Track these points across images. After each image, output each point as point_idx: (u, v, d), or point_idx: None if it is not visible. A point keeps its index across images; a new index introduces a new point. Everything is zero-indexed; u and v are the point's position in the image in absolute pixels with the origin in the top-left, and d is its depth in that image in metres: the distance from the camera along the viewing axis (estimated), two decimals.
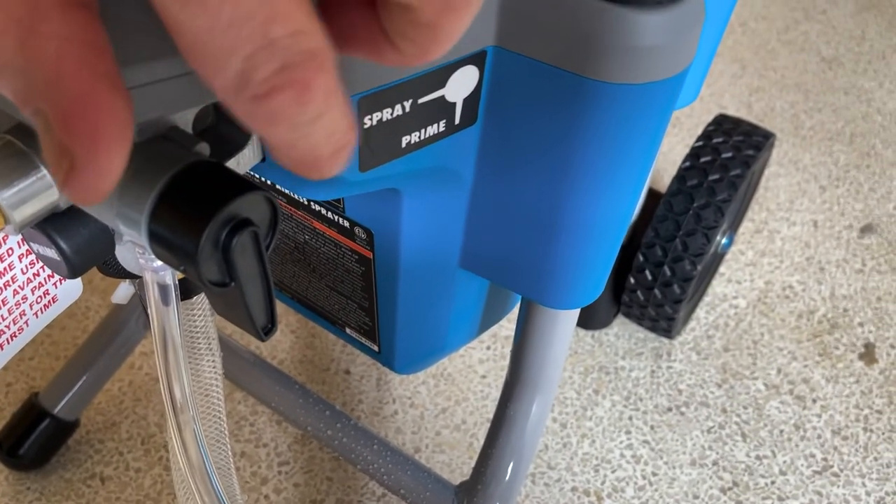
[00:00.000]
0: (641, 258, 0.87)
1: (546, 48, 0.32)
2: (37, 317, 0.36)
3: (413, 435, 0.88)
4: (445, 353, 0.58)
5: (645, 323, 0.95)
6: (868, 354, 0.98)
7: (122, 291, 0.53)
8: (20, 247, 0.33)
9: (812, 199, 1.17)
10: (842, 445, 0.89)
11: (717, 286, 1.04)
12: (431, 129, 0.34)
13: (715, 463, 0.87)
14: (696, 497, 0.84)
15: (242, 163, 0.32)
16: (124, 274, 0.35)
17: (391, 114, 0.31)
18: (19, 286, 0.34)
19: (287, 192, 0.47)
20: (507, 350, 0.95)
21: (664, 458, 0.87)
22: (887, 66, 1.42)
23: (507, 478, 0.60)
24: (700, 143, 0.88)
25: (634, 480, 0.85)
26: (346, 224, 0.46)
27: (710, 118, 1.11)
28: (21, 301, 0.34)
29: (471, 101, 0.34)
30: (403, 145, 0.33)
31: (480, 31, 0.32)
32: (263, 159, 0.34)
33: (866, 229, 1.13)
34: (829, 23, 1.51)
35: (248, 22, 0.15)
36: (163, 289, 0.31)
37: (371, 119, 0.31)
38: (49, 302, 0.36)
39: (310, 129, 0.17)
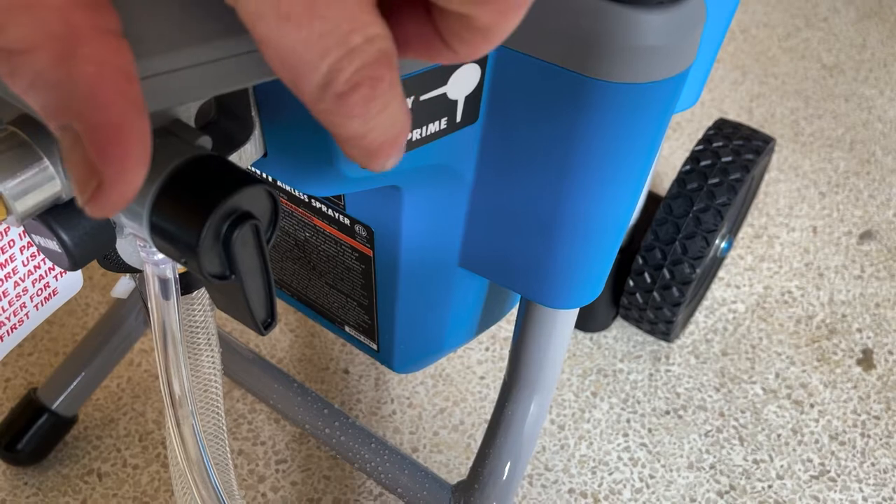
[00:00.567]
0: (641, 261, 0.87)
1: (548, 47, 0.32)
2: (37, 309, 0.36)
3: (411, 435, 0.88)
4: (444, 353, 0.58)
5: (643, 326, 0.95)
6: (866, 360, 0.98)
7: (122, 286, 0.53)
8: (21, 239, 0.33)
9: (812, 205, 1.17)
10: (839, 450, 0.89)
11: (717, 290, 1.04)
12: (433, 127, 0.34)
13: (712, 466, 0.87)
14: (692, 500, 0.84)
15: (244, 157, 0.32)
16: (125, 268, 0.35)
17: None
18: (20, 278, 0.34)
19: (288, 188, 0.47)
20: (506, 352, 0.95)
21: (661, 461, 0.87)
22: (888, 73, 1.42)
23: (504, 477, 0.60)
24: (700, 147, 0.88)
25: (632, 483, 0.85)
26: (347, 221, 0.46)
27: (710, 123, 1.12)
28: (21, 293, 0.34)
29: (472, 99, 0.34)
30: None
31: None
32: (265, 154, 0.34)
33: (865, 236, 1.13)
34: (831, 30, 1.51)
35: (334, 33, 0.17)
36: (163, 283, 0.31)
37: None
38: (49, 294, 0.36)
39: (378, 120, 0.19)
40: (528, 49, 0.32)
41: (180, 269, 0.31)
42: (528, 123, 0.35)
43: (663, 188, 1.09)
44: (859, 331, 1.01)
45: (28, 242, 0.34)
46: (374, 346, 0.56)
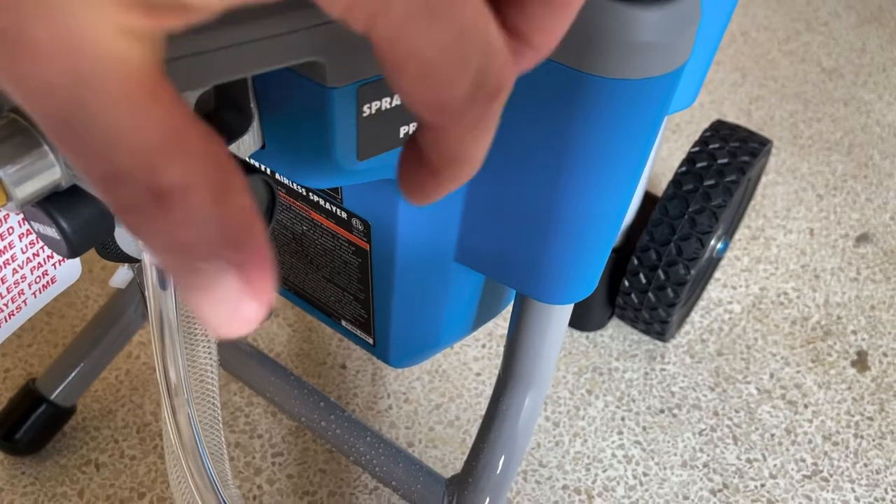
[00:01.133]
0: (636, 261, 0.87)
1: None
2: (35, 297, 0.36)
3: (407, 430, 0.88)
4: (440, 348, 0.59)
5: (639, 325, 0.95)
6: (860, 362, 0.98)
7: (121, 275, 0.54)
8: (20, 226, 0.34)
9: (809, 207, 1.17)
10: (832, 451, 0.89)
11: (713, 291, 1.05)
12: None
13: (706, 465, 0.88)
14: (686, 498, 0.85)
15: (243, 148, 0.33)
16: (123, 258, 0.35)
17: (390, 103, 0.32)
18: (19, 265, 0.34)
19: (286, 181, 0.48)
20: (502, 348, 0.95)
21: (655, 458, 0.88)
22: (887, 78, 1.42)
23: (498, 472, 0.60)
24: (696, 149, 0.88)
25: (625, 480, 0.86)
26: (344, 215, 0.46)
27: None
28: (20, 280, 0.35)
29: None
30: (401, 135, 0.34)
31: None
32: (263, 146, 0.34)
33: (862, 238, 1.13)
34: (831, 34, 1.52)
35: (475, 33, 0.16)
36: (161, 272, 0.31)
37: (370, 108, 0.31)
38: (48, 282, 0.36)
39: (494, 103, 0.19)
40: None
41: None
42: (524, 118, 0.36)
43: (661, 189, 1.09)
44: (854, 333, 1.01)
45: (27, 230, 0.34)
46: (371, 341, 0.56)
